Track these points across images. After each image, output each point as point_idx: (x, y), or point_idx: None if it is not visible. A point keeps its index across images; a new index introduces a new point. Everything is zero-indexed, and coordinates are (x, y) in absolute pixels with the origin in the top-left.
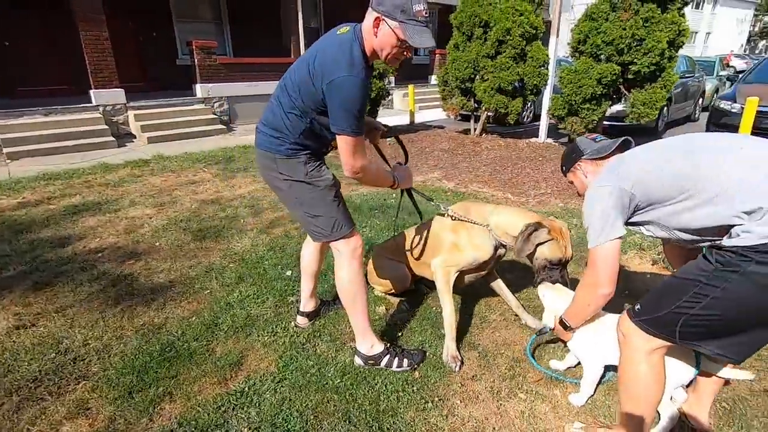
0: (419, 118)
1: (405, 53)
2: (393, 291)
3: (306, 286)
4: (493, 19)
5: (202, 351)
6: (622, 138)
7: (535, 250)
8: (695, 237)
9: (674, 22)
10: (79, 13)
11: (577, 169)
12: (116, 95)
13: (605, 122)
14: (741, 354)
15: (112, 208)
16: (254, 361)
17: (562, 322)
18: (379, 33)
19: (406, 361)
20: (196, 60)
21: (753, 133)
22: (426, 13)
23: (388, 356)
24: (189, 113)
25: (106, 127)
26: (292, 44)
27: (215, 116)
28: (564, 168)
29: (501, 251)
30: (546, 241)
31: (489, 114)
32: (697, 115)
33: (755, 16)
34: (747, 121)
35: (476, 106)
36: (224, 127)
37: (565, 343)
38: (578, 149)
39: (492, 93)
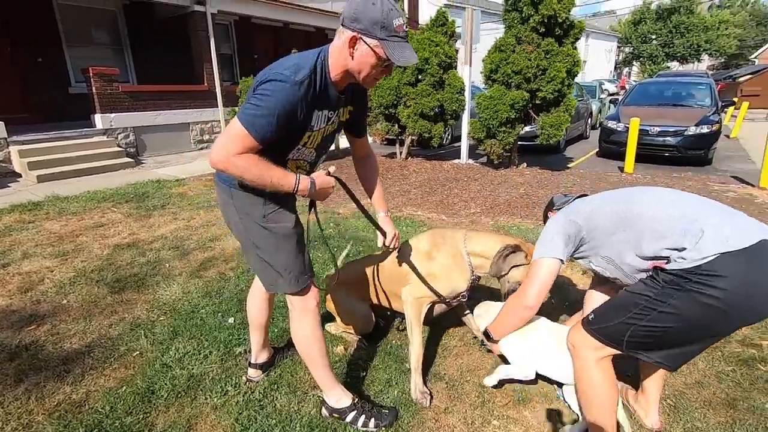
0: (343, 143)
1: (384, 72)
2: (352, 331)
3: (256, 338)
4: None
5: (140, 427)
6: (581, 194)
7: (508, 271)
8: (633, 269)
9: (569, 54)
10: None
11: (550, 218)
12: None
13: (519, 142)
14: (677, 362)
15: None
16: (206, 429)
17: (486, 333)
18: (356, 53)
19: (373, 421)
20: (94, 88)
21: (638, 148)
22: (405, 27)
23: (354, 412)
24: (88, 146)
25: None
26: (205, 71)
27: (120, 149)
28: (544, 217)
29: (475, 281)
30: (521, 265)
31: (413, 138)
32: (588, 134)
33: (618, 47)
34: (633, 138)
35: (400, 130)
36: (131, 160)
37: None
38: (552, 203)
39: (415, 118)
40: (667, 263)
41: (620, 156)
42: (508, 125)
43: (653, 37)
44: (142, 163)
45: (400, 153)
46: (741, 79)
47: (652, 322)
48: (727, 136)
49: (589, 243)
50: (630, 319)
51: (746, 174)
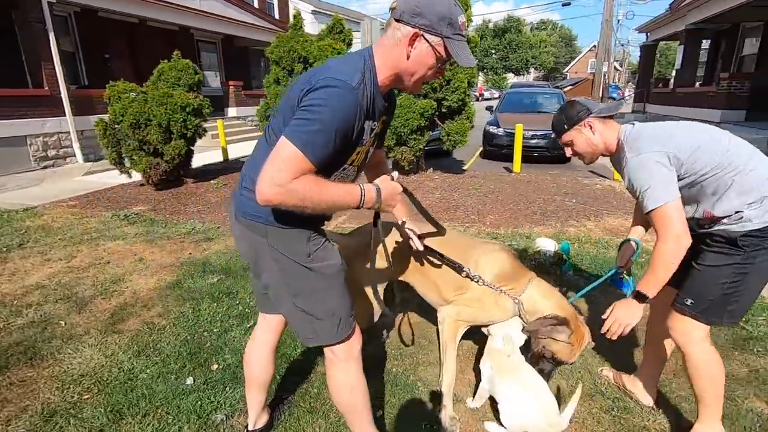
0: (232, 153)
1: (436, 75)
2: None
3: (256, 399)
4: (312, 56)
5: None
6: (620, 100)
7: (546, 339)
8: (709, 218)
9: (469, 67)
10: None
11: (583, 127)
12: None
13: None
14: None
15: None
16: None
17: (638, 296)
18: (413, 52)
19: None
20: None
21: (523, 149)
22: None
23: None
24: None
25: None
26: (44, 72)
27: None
28: (565, 126)
29: None
30: (559, 340)
31: None
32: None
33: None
34: (518, 141)
35: None
36: None
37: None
38: (585, 107)
39: None
40: (740, 222)
41: (502, 157)
42: (418, 132)
43: (493, 51)
44: None
45: None
46: (566, 89)
47: (743, 286)
48: None
49: (682, 182)
50: (727, 290)
51: (599, 168)
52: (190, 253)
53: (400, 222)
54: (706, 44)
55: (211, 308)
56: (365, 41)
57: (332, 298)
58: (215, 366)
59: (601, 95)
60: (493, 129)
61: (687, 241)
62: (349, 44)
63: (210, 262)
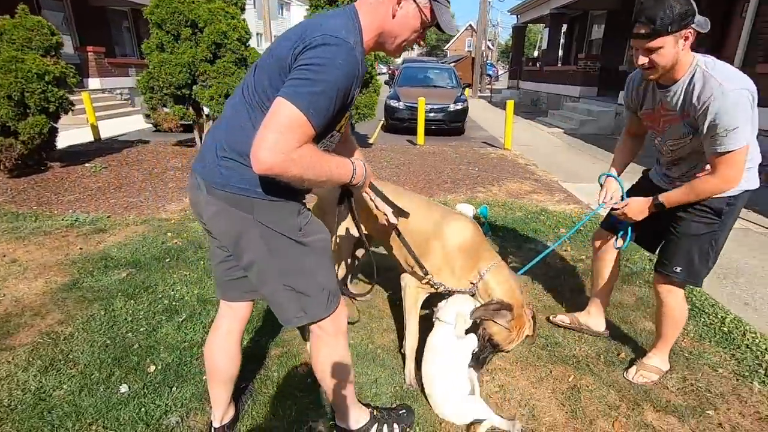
0: (105, 132)
1: (416, 40)
2: None
3: (221, 395)
4: (202, 20)
5: None
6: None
7: (487, 320)
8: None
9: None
10: None
11: (679, 36)
12: None
13: None
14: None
15: None
16: None
17: (657, 204)
18: (400, 12)
19: (396, 427)
20: None
21: (414, 122)
22: None
23: (376, 425)
24: None
25: None
26: None
27: None
28: (670, 27)
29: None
30: (501, 325)
31: (213, 122)
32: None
33: None
34: (421, 115)
35: (198, 114)
36: None
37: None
38: (693, 11)
39: (220, 100)
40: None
41: (404, 130)
42: None
43: None
44: None
45: (201, 140)
46: (450, 64)
47: (717, 246)
48: None
49: None
50: (708, 253)
51: (489, 139)
52: (80, 249)
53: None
54: (565, 28)
55: (128, 306)
56: (263, 6)
57: (322, 273)
58: (152, 368)
59: (480, 72)
60: (394, 103)
61: (735, 185)
62: (242, 8)
63: (110, 255)
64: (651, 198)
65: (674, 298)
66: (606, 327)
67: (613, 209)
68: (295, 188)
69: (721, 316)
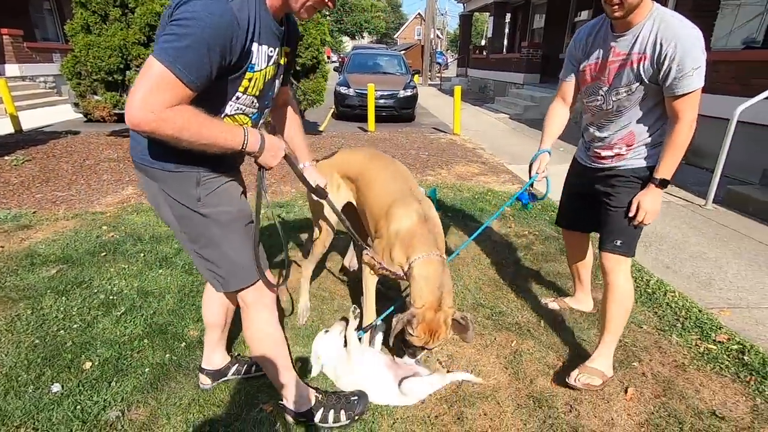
0: (26, 123)
1: (328, 1)
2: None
3: (209, 337)
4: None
5: None
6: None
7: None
8: (624, 142)
9: (320, 23)
10: None
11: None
12: None
13: None
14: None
15: None
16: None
17: (662, 183)
18: None
19: (344, 413)
20: None
21: (365, 109)
22: None
23: (322, 409)
24: None
25: None
26: None
27: None
28: None
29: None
30: (410, 333)
31: None
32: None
33: None
34: (371, 102)
35: None
36: None
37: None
38: None
39: None
40: (633, 149)
41: (355, 117)
42: None
43: (326, 13)
44: None
45: None
46: (401, 52)
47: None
48: None
49: None
50: (639, 226)
51: (439, 125)
52: (2, 247)
53: (301, 166)
54: (509, 17)
55: (59, 304)
56: None
57: (227, 245)
58: (88, 364)
59: (430, 60)
60: (343, 90)
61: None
62: None
63: (37, 252)
64: (649, 184)
65: (622, 276)
66: (594, 305)
67: (631, 218)
68: (194, 158)
69: (646, 279)
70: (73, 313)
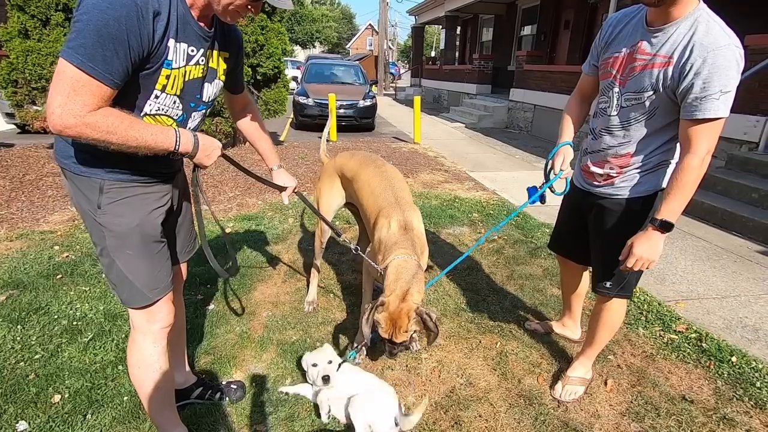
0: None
1: (251, 7)
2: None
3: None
4: (75, 3)
5: None
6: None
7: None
8: (620, 162)
9: (281, 32)
10: None
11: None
12: None
13: None
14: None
15: None
16: None
17: (664, 225)
18: None
19: None
20: None
21: (324, 119)
22: None
23: None
24: None
25: None
26: None
27: None
28: None
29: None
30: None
31: None
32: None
33: None
34: (333, 111)
35: None
36: None
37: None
38: None
39: None
40: (626, 174)
41: (314, 127)
42: None
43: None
44: None
45: None
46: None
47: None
48: None
49: None
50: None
51: (398, 134)
52: None
53: (269, 168)
54: (459, 30)
55: (14, 333)
56: None
57: (121, 260)
58: (57, 397)
59: (384, 70)
60: (302, 99)
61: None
62: None
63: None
64: (648, 226)
65: (614, 310)
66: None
67: (624, 266)
68: (104, 163)
69: None
70: (32, 342)
